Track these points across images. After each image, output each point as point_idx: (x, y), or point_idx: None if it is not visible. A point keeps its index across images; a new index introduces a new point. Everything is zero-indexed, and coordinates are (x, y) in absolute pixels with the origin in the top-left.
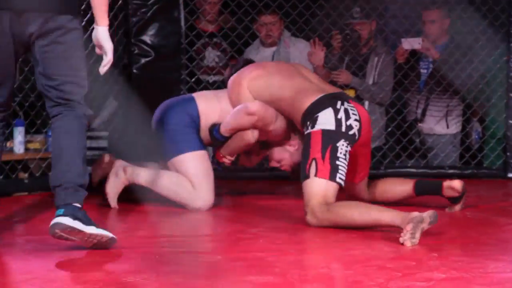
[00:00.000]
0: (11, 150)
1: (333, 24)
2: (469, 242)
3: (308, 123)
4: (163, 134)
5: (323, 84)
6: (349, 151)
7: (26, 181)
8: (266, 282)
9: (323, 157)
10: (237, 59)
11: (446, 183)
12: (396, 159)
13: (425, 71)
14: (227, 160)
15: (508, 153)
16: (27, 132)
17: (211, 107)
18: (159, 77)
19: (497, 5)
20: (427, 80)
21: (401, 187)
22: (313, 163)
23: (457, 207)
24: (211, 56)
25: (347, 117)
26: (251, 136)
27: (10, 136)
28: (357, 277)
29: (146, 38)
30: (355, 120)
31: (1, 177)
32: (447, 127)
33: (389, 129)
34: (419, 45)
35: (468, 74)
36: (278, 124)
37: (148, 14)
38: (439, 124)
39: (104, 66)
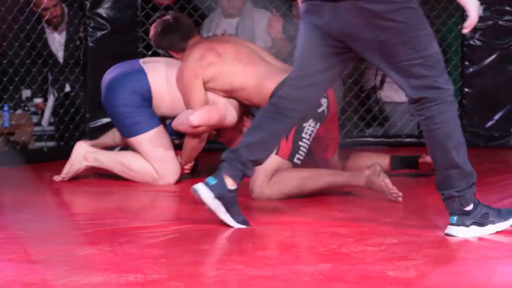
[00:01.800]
0: None
1: None
2: (424, 208)
3: None
4: (113, 115)
5: (282, 64)
6: (317, 129)
7: None
8: (221, 251)
9: (287, 136)
10: (161, 19)
11: (421, 159)
12: (354, 128)
13: None
14: (187, 168)
15: (464, 121)
16: None
17: (162, 86)
18: (115, 50)
19: None
20: None
21: (377, 161)
22: None
23: None
24: None
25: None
26: (200, 140)
27: None
28: (310, 243)
29: (102, 11)
30: (323, 97)
31: None
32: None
33: (347, 99)
34: None
35: None
36: (228, 119)
37: None
38: (398, 93)
39: (467, 28)
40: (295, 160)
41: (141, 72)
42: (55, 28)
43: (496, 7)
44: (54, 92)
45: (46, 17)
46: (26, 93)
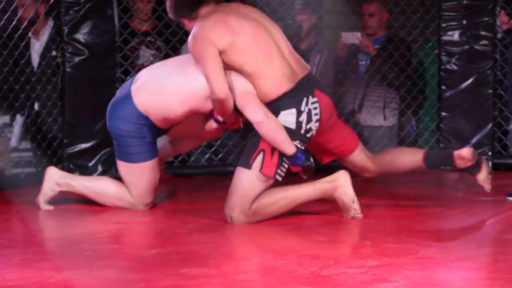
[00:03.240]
0: None
1: (274, 13)
2: (403, 230)
3: None
4: (112, 136)
5: (295, 62)
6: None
7: None
8: (201, 274)
9: (272, 151)
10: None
11: (456, 153)
12: None
13: (363, 63)
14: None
15: (441, 145)
16: None
17: (153, 105)
18: (93, 75)
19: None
20: (366, 72)
21: (411, 157)
22: (261, 155)
23: (481, 177)
24: (146, 55)
25: (309, 120)
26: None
27: None
28: (291, 267)
29: (80, 36)
30: (316, 121)
31: None
32: (384, 119)
33: None
34: (357, 40)
35: (401, 67)
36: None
37: (81, 12)
38: (377, 116)
39: None
40: (277, 177)
41: (128, 97)
42: (35, 33)
43: (472, 32)
44: (24, 111)
45: (20, 14)
46: (4, 119)
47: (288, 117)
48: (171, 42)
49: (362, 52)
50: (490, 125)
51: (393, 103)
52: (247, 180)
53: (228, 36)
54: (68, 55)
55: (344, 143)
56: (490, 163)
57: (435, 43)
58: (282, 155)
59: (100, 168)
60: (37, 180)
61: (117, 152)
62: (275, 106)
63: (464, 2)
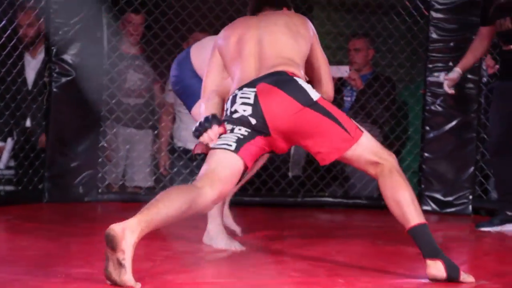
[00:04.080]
0: None
1: None
2: (379, 270)
3: None
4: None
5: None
6: (245, 129)
7: None
8: None
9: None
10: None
11: None
12: (313, 187)
13: (348, 99)
14: None
15: (422, 186)
16: None
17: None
18: (79, 97)
19: (415, 39)
20: (351, 107)
21: None
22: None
23: None
24: (133, 79)
25: (232, 103)
26: None
27: None
28: None
29: (68, 57)
30: (243, 103)
31: None
32: None
33: (309, 157)
34: (346, 73)
35: (386, 105)
36: None
37: (70, 33)
38: None
39: None
40: (218, 146)
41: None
42: (30, 51)
43: None
44: (14, 134)
45: (20, 33)
46: None
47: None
48: (159, 68)
49: (347, 88)
50: (472, 169)
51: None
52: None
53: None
54: (55, 75)
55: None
56: (470, 206)
57: (420, 83)
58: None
59: (81, 190)
60: (17, 198)
61: None
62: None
63: (451, 44)
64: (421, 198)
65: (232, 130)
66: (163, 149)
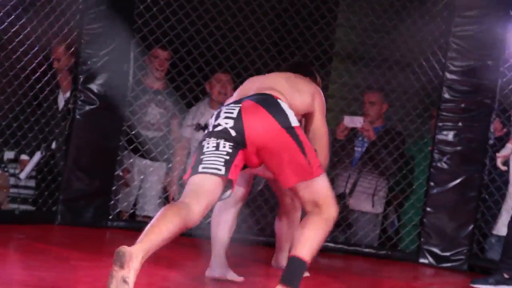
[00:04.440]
0: None
1: None
2: None
3: None
4: None
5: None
6: (227, 142)
7: None
8: None
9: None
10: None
11: None
12: None
13: (359, 149)
14: None
15: (422, 239)
16: None
17: None
18: (100, 126)
19: (428, 98)
20: (361, 158)
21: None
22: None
23: None
24: (154, 112)
25: (216, 118)
26: None
27: None
28: None
29: (94, 87)
30: (226, 117)
31: None
32: (373, 205)
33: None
34: (360, 123)
35: (394, 159)
36: None
37: (98, 64)
38: (366, 202)
39: None
40: (200, 170)
41: None
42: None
43: (466, 135)
44: (42, 150)
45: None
46: (9, 154)
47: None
48: (180, 104)
49: (359, 139)
50: (471, 226)
51: (382, 191)
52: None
53: None
54: (80, 102)
55: (288, 172)
56: (466, 263)
57: (429, 140)
58: (200, 155)
59: (93, 215)
60: (30, 218)
61: None
62: None
63: (462, 105)
64: (419, 251)
65: (217, 147)
66: (175, 182)
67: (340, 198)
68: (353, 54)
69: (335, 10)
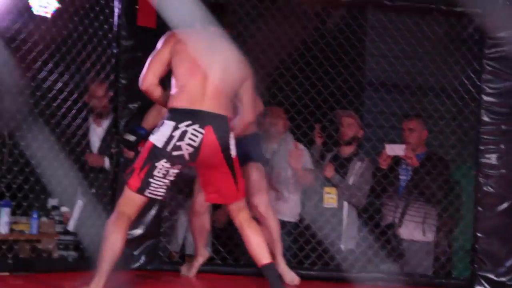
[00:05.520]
0: None
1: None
2: None
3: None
4: None
5: (212, 97)
6: (175, 169)
7: (10, 261)
8: None
9: (140, 170)
10: None
11: None
12: (368, 262)
13: (403, 177)
14: None
15: (475, 265)
16: (13, 213)
17: None
18: None
19: (466, 122)
20: (406, 186)
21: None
22: (131, 172)
23: None
24: None
25: (181, 139)
26: None
27: None
28: None
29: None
30: (189, 144)
31: None
32: (423, 234)
33: (361, 233)
34: (402, 151)
35: (439, 185)
36: None
37: (136, 108)
38: (416, 230)
39: None
40: (147, 194)
41: None
42: (99, 118)
43: (509, 157)
44: (82, 197)
45: (94, 108)
46: (53, 201)
47: (164, 129)
48: None
49: (402, 167)
50: None
51: (431, 218)
52: (124, 191)
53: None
54: (122, 146)
55: (223, 190)
56: None
57: (473, 165)
58: (148, 176)
59: (143, 258)
60: (83, 265)
61: None
62: (168, 114)
63: (503, 127)
64: (474, 278)
65: (166, 173)
66: (221, 220)
67: (389, 228)
68: (386, 83)
69: (364, 40)
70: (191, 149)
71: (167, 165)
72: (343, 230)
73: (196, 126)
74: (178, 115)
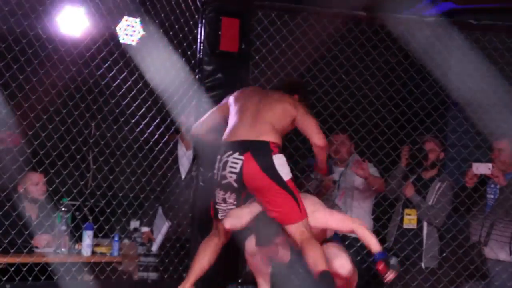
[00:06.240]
0: (79, 252)
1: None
2: None
3: None
4: None
5: (250, 129)
6: (232, 194)
7: (91, 283)
8: None
9: (212, 200)
10: None
11: None
12: (450, 282)
13: (491, 196)
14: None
15: None
16: (95, 236)
17: None
18: None
19: None
20: (493, 205)
21: None
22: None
23: None
24: None
25: (223, 168)
26: None
27: (79, 239)
28: None
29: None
30: (231, 172)
31: (67, 278)
32: (510, 253)
33: (444, 254)
34: (488, 170)
35: None
36: None
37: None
38: (502, 250)
39: None
40: (219, 217)
41: None
42: (185, 141)
43: None
44: (167, 220)
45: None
46: (135, 224)
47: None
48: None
49: (490, 186)
50: None
51: None
52: None
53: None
54: (202, 169)
55: (279, 210)
56: None
57: None
58: (214, 200)
59: (223, 279)
60: (162, 286)
61: None
62: (220, 147)
63: None
64: None
65: (224, 200)
66: None
67: (474, 247)
68: (472, 103)
69: (449, 59)
70: (234, 176)
71: (222, 192)
72: (424, 250)
73: (235, 154)
74: (223, 146)
